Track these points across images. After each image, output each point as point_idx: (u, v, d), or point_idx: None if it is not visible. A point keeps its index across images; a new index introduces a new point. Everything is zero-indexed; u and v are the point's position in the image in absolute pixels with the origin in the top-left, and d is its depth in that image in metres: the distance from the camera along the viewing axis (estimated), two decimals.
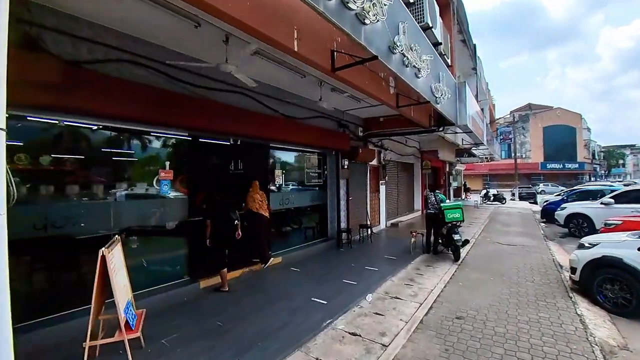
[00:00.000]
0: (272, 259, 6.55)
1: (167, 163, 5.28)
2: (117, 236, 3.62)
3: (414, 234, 8.06)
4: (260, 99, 6.35)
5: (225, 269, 5.53)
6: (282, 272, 6.45)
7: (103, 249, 2.98)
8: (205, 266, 5.54)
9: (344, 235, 8.68)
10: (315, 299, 4.97)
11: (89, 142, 4.55)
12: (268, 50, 4.70)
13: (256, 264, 6.35)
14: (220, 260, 5.48)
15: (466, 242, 7.61)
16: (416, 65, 5.20)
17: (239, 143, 6.32)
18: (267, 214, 6.51)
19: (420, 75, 5.51)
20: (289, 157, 7.94)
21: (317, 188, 8.75)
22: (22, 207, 3.74)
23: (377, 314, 4.50)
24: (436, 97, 6.58)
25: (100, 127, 4.46)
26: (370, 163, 10.39)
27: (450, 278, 6.02)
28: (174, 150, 5.46)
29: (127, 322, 3.23)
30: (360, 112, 9.06)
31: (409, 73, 5.17)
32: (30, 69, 3.21)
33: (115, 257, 3.33)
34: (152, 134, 5.05)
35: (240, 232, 5.60)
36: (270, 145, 7.07)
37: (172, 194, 5.33)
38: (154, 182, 5.12)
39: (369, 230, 9.30)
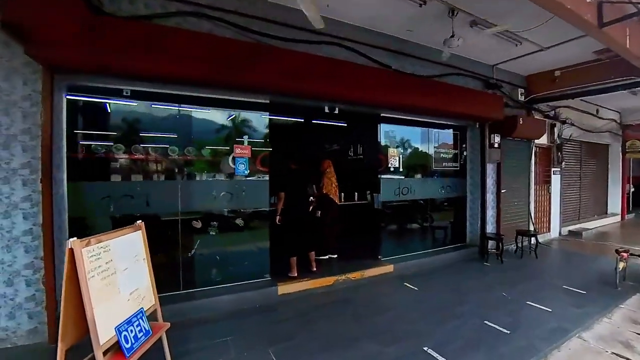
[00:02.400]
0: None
1: (245, 138, 4.20)
2: (138, 222, 2.63)
3: (624, 255, 4.65)
4: (364, 50, 4.58)
5: (295, 258, 4.39)
6: (391, 287, 4.54)
7: (71, 240, 1.94)
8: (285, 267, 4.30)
9: (490, 243, 5.95)
10: (430, 351, 2.92)
11: (150, 116, 3.89)
12: None
13: (354, 271, 4.67)
14: (292, 245, 4.42)
15: None
16: None
17: (336, 111, 4.73)
18: (338, 202, 5.40)
19: None
20: (409, 131, 5.83)
21: (451, 175, 6.30)
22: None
23: None
24: None
25: (164, 94, 3.69)
26: (536, 141, 7.04)
27: None
28: (252, 122, 4.34)
29: (119, 349, 2.14)
30: (520, 65, 6.03)
31: None
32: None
33: (116, 253, 2.30)
34: (224, 101, 4.03)
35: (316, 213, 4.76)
36: (382, 115, 5.18)
37: (254, 176, 4.24)
38: (229, 161, 4.12)
39: (533, 239, 6.18)
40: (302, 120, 7.94)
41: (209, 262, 4.12)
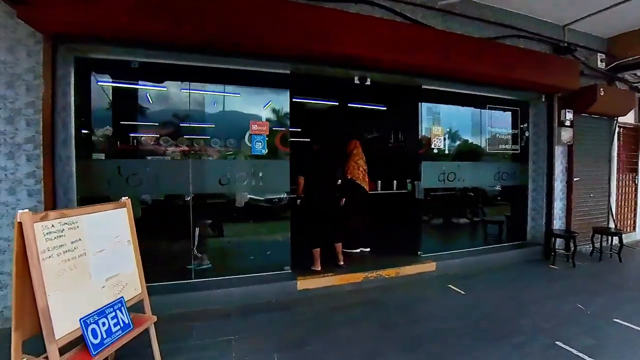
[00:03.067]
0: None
1: (264, 113, 3.73)
2: (123, 198, 2.26)
3: None
4: (401, 9, 3.86)
5: (319, 249, 3.90)
6: (431, 289, 3.80)
7: (20, 212, 1.59)
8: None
9: (558, 242, 4.89)
10: None
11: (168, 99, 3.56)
12: None
13: (388, 268, 4.00)
14: (313, 235, 3.93)
15: None
16: None
17: (367, 82, 4.06)
18: (367, 189, 4.78)
19: None
20: (455, 110, 4.94)
21: (509, 159, 5.30)
22: None
23: None
24: None
25: (174, 69, 3.35)
26: (619, 119, 5.70)
27: None
28: (272, 95, 3.84)
29: (85, 343, 1.78)
30: (600, 24, 4.85)
31: None
32: None
33: (88, 231, 1.94)
34: (238, 70, 3.59)
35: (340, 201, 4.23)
36: (423, 87, 4.40)
37: (274, 158, 3.76)
38: (246, 138, 3.68)
39: (615, 239, 4.97)
40: (337, 103, 7.39)
41: (224, 250, 3.76)
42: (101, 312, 1.94)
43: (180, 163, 3.51)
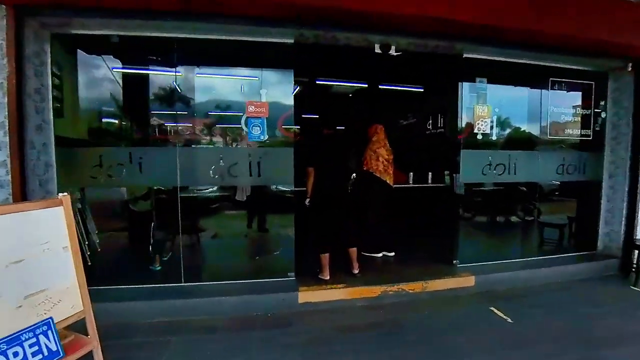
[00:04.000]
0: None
1: (263, 92, 3.13)
2: (60, 195, 1.81)
3: None
4: None
5: (327, 255, 3.25)
6: (467, 313, 2.99)
7: None
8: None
9: None
10: None
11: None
12: None
13: (414, 281, 3.24)
14: (321, 238, 3.26)
15: None
16: None
17: (393, 53, 3.26)
18: (391, 183, 3.99)
19: None
20: (507, 81, 3.94)
21: (576, 148, 4.19)
22: None
23: None
24: None
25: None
26: None
27: None
28: (273, 72, 3.22)
29: None
30: None
31: None
32: None
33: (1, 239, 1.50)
34: (231, 41, 3.01)
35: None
36: (465, 56, 3.48)
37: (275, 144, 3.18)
38: (242, 122, 3.12)
39: None
40: (366, 85, 6.60)
41: (219, 252, 3.29)
42: (13, 340, 1.51)
43: (166, 152, 3.06)
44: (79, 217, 3.44)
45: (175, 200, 3.04)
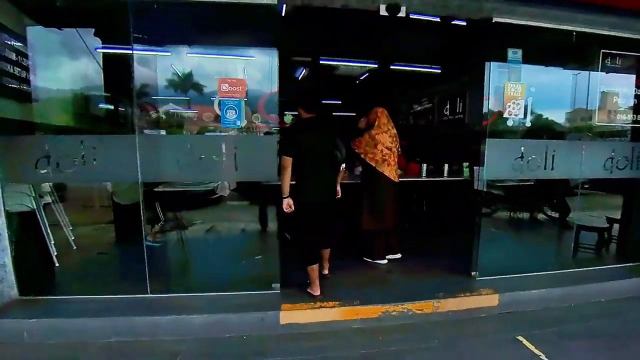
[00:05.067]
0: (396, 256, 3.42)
1: (241, 68, 2.51)
2: None
3: None
4: None
5: (316, 266, 2.65)
6: (488, 346, 2.35)
7: None
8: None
9: None
10: None
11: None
12: None
13: (424, 299, 2.63)
14: (308, 246, 2.65)
15: None
16: None
17: (402, 14, 2.54)
18: (396, 179, 3.29)
19: None
20: (546, 55, 3.15)
21: (627, 137, 3.39)
22: None
23: None
24: None
25: None
26: None
27: None
28: (252, 42, 2.58)
29: None
30: None
31: None
32: None
33: None
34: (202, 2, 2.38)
35: (339, 190, 2.80)
36: (495, 20, 2.71)
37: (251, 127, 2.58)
38: (215, 105, 2.52)
39: None
40: (376, 65, 5.86)
41: (192, 256, 2.78)
42: None
43: (124, 141, 2.51)
44: (42, 214, 3.02)
45: (138, 198, 2.53)
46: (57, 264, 3.10)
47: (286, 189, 2.49)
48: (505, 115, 2.88)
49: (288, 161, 2.43)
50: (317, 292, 2.64)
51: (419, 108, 7.62)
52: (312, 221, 2.62)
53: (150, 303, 2.54)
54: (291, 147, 2.45)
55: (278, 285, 2.71)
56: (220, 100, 2.47)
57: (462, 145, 6.05)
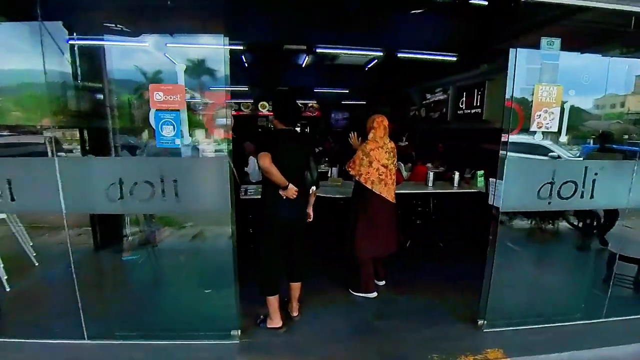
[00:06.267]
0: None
1: (180, 69, 1.89)
2: None
3: None
4: None
5: (276, 297, 2.27)
6: None
7: None
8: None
9: None
10: None
11: None
12: None
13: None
14: (268, 273, 2.24)
15: None
16: None
17: None
18: (392, 199, 2.69)
19: None
20: (589, 45, 2.34)
21: None
22: None
23: None
24: None
25: None
26: None
27: None
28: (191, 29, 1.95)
29: None
30: None
31: None
32: None
33: None
34: None
35: (311, 214, 2.36)
36: None
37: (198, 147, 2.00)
38: (151, 119, 1.93)
39: None
40: (380, 53, 5.09)
41: (132, 300, 2.31)
42: None
43: (42, 164, 1.99)
44: None
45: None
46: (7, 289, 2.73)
47: (282, 180, 2.04)
48: (533, 128, 2.15)
49: (267, 156, 1.96)
50: (279, 324, 2.28)
51: (432, 99, 6.76)
52: (276, 242, 2.20)
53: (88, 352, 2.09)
54: (269, 146, 2.02)
55: (237, 332, 2.20)
56: (155, 113, 1.89)
57: (477, 144, 5.26)
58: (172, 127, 1.88)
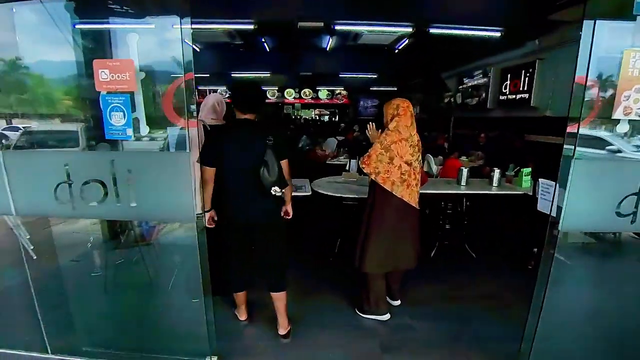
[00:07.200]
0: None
1: (132, 38, 1.47)
2: None
3: None
4: None
5: (243, 293, 2.13)
6: None
7: None
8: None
9: None
10: None
11: None
12: None
13: None
14: (224, 274, 1.98)
15: None
16: None
17: None
18: (416, 204, 2.11)
19: None
20: None
21: None
22: None
23: None
24: None
25: None
26: None
27: None
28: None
29: None
30: None
31: None
32: None
33: None
34: None
35: (290, 211, 2.00)
36: None
37: (150, 139, 1.59)
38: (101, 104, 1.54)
39: None
40: (410, 29, 4.39)
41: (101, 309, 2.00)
42: None
43: None
44: None
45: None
46: None
47: (206, 203, 1.79)
48: (617, 114, 1.46)
49: (208, 172, 1.74)
50: (244, 317, 2.23)
51: (470, 84, 5.89)
52: (232, 243, 1.93)
53: None
54: (213, 153, 1.71)
55: (210, 357, 1.82)
56: (103, 97, 1.49)
57: (523, 136, 4.46)
58: (122, 113, 1.48)
